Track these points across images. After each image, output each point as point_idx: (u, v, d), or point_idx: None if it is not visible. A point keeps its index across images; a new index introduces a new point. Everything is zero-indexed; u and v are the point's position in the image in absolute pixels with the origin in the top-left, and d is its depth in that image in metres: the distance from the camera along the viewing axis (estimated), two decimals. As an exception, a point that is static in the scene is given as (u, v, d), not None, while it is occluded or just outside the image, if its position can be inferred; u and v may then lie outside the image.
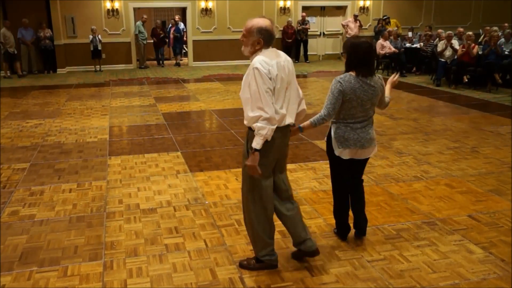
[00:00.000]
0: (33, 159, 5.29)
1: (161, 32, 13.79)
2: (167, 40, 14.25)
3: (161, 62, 14.38)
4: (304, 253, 2.97)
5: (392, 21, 14.29)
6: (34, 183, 4.52)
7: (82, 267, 2.99)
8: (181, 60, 14.74)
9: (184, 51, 16.23)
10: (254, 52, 2.67)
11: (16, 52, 12.05)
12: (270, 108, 2.54)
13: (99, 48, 12.77)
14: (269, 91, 2.55)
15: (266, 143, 2.60)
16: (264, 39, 2.63)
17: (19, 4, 12.48)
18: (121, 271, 2.95)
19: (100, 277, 2.88)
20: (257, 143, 2.56)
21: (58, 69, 13.02)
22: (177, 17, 16.18)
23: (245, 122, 2.69)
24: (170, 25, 14.49)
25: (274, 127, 2.58)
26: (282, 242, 3.29)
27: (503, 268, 2.96)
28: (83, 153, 5.51)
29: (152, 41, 14.06)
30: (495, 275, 2.89)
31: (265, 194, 2.78)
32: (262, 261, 2.92)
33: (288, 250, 3.16)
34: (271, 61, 2.60)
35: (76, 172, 4.83)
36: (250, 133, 2.69)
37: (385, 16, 14.41)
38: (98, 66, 13.15)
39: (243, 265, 2.97)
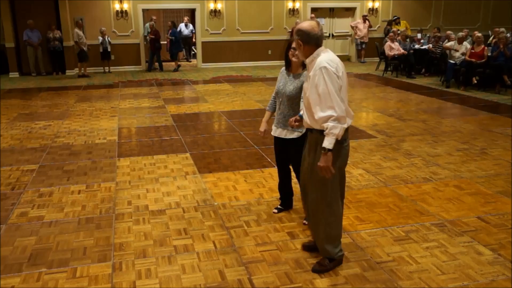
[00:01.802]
0: (42, 160, 5.34)
1: (151, 35, 12.87)
2: (158, 44, 13.06)
3: (152, 67, 13.45)
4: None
5: (402, 22, 14.20)
6: (43, 184, 4.56)
7: (91, 268, 3.01)
8: (189, 61, 14.64)
9: (193, 52, 16.29)
10: (307, 55, 2.71)
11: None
12: (340, 107, 2.57)
13: (109, 49, 12.85)
14: (337, 90, 2.59)
15: (340, 143, 2.66)
16: (302, 40, 2.68)
17: (28, 6, 12.61)
18: (130, 272, 2.96)
19: (109, 278, 2.90)
20: (329, 143, 2.57)
21: (67, 71, 13.13)
22: (185, 19, 16.26)
23: (308, 122, 2.75)
24: (168, 28, 14.01)
25: (345, 126, 2.63)
26: (291, 244, 3.29)
27: (513, 271, 2.94)
28: (92, 155, 5.55)
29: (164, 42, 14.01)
30: (504, 277, 2.88)
31: (337, 194, 2.89)
32: (334, 259, 2.95)
33: (297, 251, 3.16)
34: (335, 59, 2.67)
35: (85, 173, 4.87)
36: (313, 135, 2.74)
37: (395, 16, 14.32)
38: (107, 67, 13.24)
39: (319, 270, 2.92)
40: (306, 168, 2.88)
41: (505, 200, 4.06)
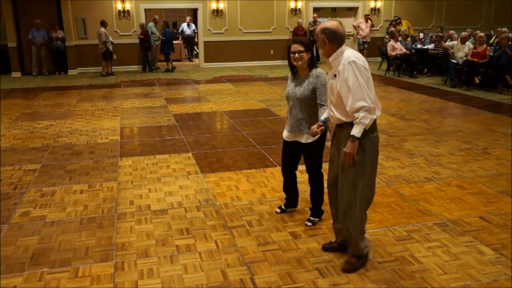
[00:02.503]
0: (44, 160, 5.35)
1: (140, 36, 12.77)
2: (147, 44, 12.92)
3: (147, 68, 13.37)
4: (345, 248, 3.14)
5: (403, 22, 14.19)
6: (45, 184, 4.57)
7: (93, 268, 3.02)
8: (191, 60, 14.61)
9: (195, 52, 16.30)
10: (330, 54, 2.77)
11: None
12: (370, 98, 2.67)
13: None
14: (366, 82, 2.68)
15: (371, 133, 2.75)
16: (328, 38, 2.74)
17: (30, 6, 12.64)
18: (132, 272, 2.97)
19: (111, 278, 2.90)
20: (358, 131, 2.68)
21: (69, 70, 13.16)
22: (188, 18, 16.28)
23: (338, 117, 2.80)
24: (161, 28, 13.70)
25: (375, 117, 2.71)
26: (293, 243, 3.29)
27: (516, 271, 2.94)
28: (94, 154, 5.56)
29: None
30: (506, 276, 2.87)
31: (373, 185, 2.98)
32: (361, 257, 2.98)
33: (299, 251, 3.16)
34: (358, 54, 2.77)
35: (87, 173, 4.88)
36: (345, 130, 2.78)
37: (396, 17, 14.31)
38: (110, 67, 13.26)
39: (350, 269, 2.93)
40: (339, 164, 2.89)
41: (507, 200, 4.05)
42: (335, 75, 2.78)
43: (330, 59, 2.79)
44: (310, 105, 3.29)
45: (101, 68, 13.10)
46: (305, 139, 3.38)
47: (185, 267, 3.01)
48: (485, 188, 4.34)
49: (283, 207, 3.83)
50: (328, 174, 3.10)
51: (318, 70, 3.30)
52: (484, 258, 3.08)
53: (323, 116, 3.13)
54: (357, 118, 2.67)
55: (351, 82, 2.66)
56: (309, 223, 3.57)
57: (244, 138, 6.17)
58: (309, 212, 3.67)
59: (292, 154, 3.56)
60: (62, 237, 3.44)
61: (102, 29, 12.21)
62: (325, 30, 2.76)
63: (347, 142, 2.75)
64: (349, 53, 2.73)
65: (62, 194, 4.29)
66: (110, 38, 12.40)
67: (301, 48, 3.19)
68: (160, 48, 13.36)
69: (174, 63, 14.66)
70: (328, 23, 2.79)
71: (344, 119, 2.80)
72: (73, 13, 13.02)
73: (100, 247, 3.29)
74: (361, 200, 2.86)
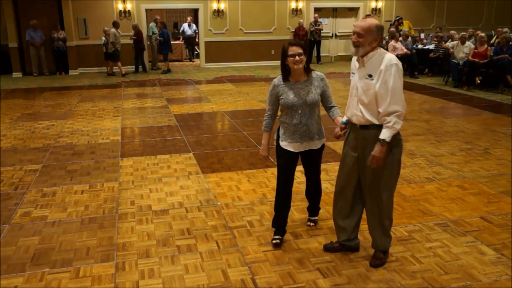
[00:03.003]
0: (45, 160, 5.35)
1: (133, 36, 12.60)
2: (141, 45, 12.77)
3: (139, 68, 13.16)
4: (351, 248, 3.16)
5: (405, 22, 14.15)
6: (46, 184, 4.57)
7: (94, 268, 3.02)
8: (192, 61, 14.58)
9: (196, 52, 16.31)
10: (368, 52, 2.72)
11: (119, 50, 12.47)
12: (404, 104, 2.72)
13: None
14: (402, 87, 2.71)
15: (398, 136, 2.78)
16: (379, 36, 2.74)
17: (31, 6, 12.66)
18: (133, 272, 2.97)
19: (112, 278, 2.91)
20: (389, 136, 2.69)
21: (70, 71, 13.17)
22: (189, 18, 16.29)
23: (367, 118, 2.75)
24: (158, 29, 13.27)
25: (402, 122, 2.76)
26: (294, 244, 3.29)
27: (517, 271, 2.93)
28: (95, 155, 5.57)
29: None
30: (507, 277, 2.87)
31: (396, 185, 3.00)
32: (386, 252, 3.05)
33: (300, 252, 3.16)
34: None
35: (88, 173, 4.88)
36: (370, 132, 2.76)
37: (398, 16, 14.28)
38: (104, 68, 13.19)
39: (378, 264, 3.00)
40: (355, 165, 2.89)
41: (508, 200, 4.05)
42: (369, 75, 2.73)
43: (366, 58, 2.74)
44: (317, 109, 3.18)
45: (104, 68, 13.10)
46: (317, 145, 3.20)
47: (186, 267, 3.01)
48: (486, 188, 4.33)
49: (279, 241, 3.27)
50: (339, 174, 3.05)
51: (318, 73, 3.20)
52: (485, 258, 3.08)
53: (343, 118, 3.04)
54: (389, 122, 2.67)
55: (391, 84, 2.65)
56: (312, 223, 3.56)
57: (245, 139, 6.17)
58: (309, 212, 3.65)
59: (294, 166, 3.26)
60: (63, 237, 3.44)
61: (113, 30, 12.21)
62: (379, 27, 2.72)
63: (372, 145, 2.75)
64: (390, 55, 2.73)
65: (63, 194, 4.30)
66: (120, 40, 12.39)
67: (301, 51, 2.99)
68: (158, 49, 13.35)
69: (174, 63, 14.68)
70: (375, 20, 2.76)
71: (374, 121, 2.76)
72: (74, 13, 13.03)
73: (101, 247, 3.29)
74: (392, 197, 2.94)
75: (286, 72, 3.09)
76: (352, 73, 2.91)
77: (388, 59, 2.69)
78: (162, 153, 5.58)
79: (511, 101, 8.56)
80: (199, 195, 4.24)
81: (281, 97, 3.11)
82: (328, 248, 3.19)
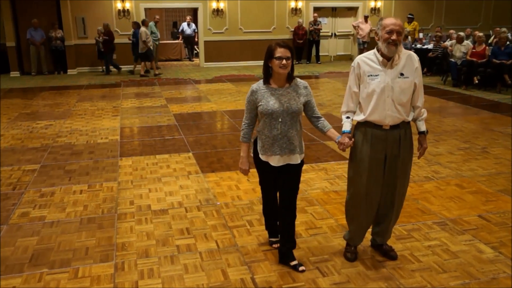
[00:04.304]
0: (43, 160, 5.35)
1: (104, 36, 12.18)
2: (112, 45, 12.38)
3: (108, 69, 12.77)
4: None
5: (414, 22, 14.04)
6: (45, 184, 4.57)
7: (93, 268, 3.02)
8: (192, 60, 14.51)
9: (196, 51, 16.30)
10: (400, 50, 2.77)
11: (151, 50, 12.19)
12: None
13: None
14: None
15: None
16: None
17: (29, 5, 12.63)
18: (133, 272, 2.97)
19: (111, 278, 2.91)
20: (425, 126, 2.97)
21: (68, 70, 13.15)
22: (188, 18, 16.28)
23: (404, 117, 2.81)
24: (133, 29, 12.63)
25: None
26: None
27: (515, 270, 2.95)
28: (94, 154, 5.56)
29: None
30: (504, 275, 2.88)
31: None
32: None
33: (299, 250, 3.16)
34: None
35: (87, 173, 4.88)
36: (402, 130, 2.83)
37: (410, 14, 14.13)
38: (99, 67, 13.07)
39: (396, 253, 3.12)
40: (401, 166, 2.90)
41: (506, 198, 4.07)
42: (401, 74, 2.74)
43: (396, 57, 2.72)
44: (299, 119, 2.86)
45: (99, 67, 13.09)
46: (297, 159, 2.87)
47: (185, 267, 3.02)
48: (484, 187, 4.34)
49: (275, 244, 3.22)
50: (360, 182, 2.88)
51: (301, 80, 2.88)
52: (483, 257, 3.09)
53: (345, 127, 2.87)
54: (423, 114, 2.91)
55: (420, 80, 2.82)
56: (302, 267, 2.97)
57: (244, 138, 6.17)
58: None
59: (275, 178, 2.94)
60: (62, 238, 3.44)
61: (143, 28, 11.88)
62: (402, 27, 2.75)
63: (398, 142, 2.82)
64: (409, 51, 2.83)
65: (61, 194, 4.29)
66: (150, 38, 11.97)
67: (289, 54, 2.69)
68: (132, 49, 12.63)
69: (174, 63, 14.65)
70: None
71: (408, 118, 2.85)
72: (73, 13, 13.01)
73: (100, 247, 3.29)
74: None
75: (268, 75, 2.80)
76: (372, 75, 2.75)
77: (414, 55, 2.81)
78: (161, 152, 5.58)
79: (509, 100, 8.59)
80: (199, 194, 4.25)
81: (260, 103, 2.78)
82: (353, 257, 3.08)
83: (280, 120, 2.77)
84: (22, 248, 3.30)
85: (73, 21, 13.06)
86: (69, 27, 12.93)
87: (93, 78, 12.14)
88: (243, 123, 2.95)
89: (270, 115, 2.76)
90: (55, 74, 12.98)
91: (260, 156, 2.89)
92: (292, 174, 2.89)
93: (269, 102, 2.76)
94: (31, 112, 8.07)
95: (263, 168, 2.93)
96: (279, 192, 2.96)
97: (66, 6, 12.83)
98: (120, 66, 13.00)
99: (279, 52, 2.68)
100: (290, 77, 2.81)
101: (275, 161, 2.84)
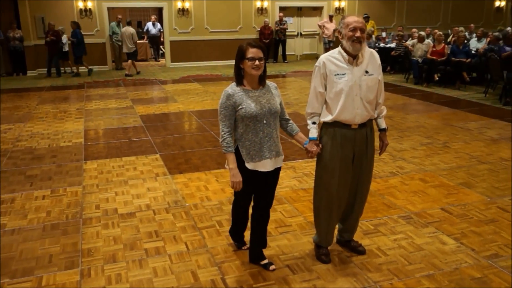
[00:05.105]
0: (2, 165, 5.13)
1: (52, 36, 11.67)
2: (58, 46, 11.91)
3: (52, 71, 12.21)
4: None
5: (370, 21, 14.45)
6: (4, 191, 4.38)
7: (58, 276, 2.92)
8: (157, 60, 14.29)
9: (161, 51, 16.05)
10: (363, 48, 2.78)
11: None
12: None
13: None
14: None
15: None
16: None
17: (-15, 4, 12.10)
18: (99, 278, 2.89)
19: (77, 285, 2.82)
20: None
21: (28, 71, 12.65)
22: (153, 17, 16.01)
23: (371, 114, 2.85)
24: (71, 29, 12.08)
25: None
26: (263, 242, 3.30)
27: (473, 257, 3.08)
28: (56, 158, 5.38)
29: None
30: (466, 264, 3.00)
31: None
32: None
33: (270, 249, 3.17)
34: None
35: (50, 178, 4.72)
36: (368, 128, 2.87)
37: (365, 14, 14.51)
38: (69, 68, 12.80)
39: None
40: (366, 163, 2.93)
41: (466, 191, 4.23)
42: (366, 71, 2.76)
43: (359, 55, 2.73)
44: (278, 119, 2.80)
45: (67, 68, 12.66)
46: (281, 161, 2.82)
47: (154, 270, 2.97)
48: (445, 180, 4.51)
49: (244, 246, 3.21)
50: (330, 182, 2.87)
51: (270, 82, 2.80)
52: (446, 248, 3.20)
53: (312, 134, 2.83)
54: (384, 111, 2.95)
55: (382, 77, 2.86)
56: (273, 266, 2.97)
57: (213, 138, 6.14)
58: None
59: (261, 184, 2.81)
60: (24, 246, 3.31)
61: (131, 29, 12.10)
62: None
63: (365, 139, 2.85)
64: (367, 48, 2.84)
65: (22, 201, 4.13)
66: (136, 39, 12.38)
67: (262, 55, 2.59)
68: (72, 51, 12.12)
69: (140, 63, 14.38)
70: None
71: (375, 115, 2.91)
72: (32, 12, 12.53)
73: (65, 254, 3.19)
74: None
75: (240, 77, 2.67)
76: (339, 74, 2.72)
77: (375, 52, 2.86)
78: (128, 155, 5.46)
79: (467, 96, 8.95)
80: (167, 196, 4.19)
81: (240, 107, 2.62)
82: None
83: (264, 122, 2.66)
84: (-19, 258, 3.15)
85: (32, 21, 12.58)
86: (28, 27, 12.45)
87: (54, 80, 11.74)
88: (222, 132, 2.67)
89: (254, 117, 2.63)
90: (13, 75, 12.46)
91: (247, 165, 2.69)
92: (276, 178, 2.85)
93: (251, 104, 2.62)
94: (-12, 116, 7.72)
95: (251, 179, 2.71)
96: (260, 198, 2.84)
97: (25, 5, 12.34)
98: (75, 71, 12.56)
99: (251, 52, 2.57)
100: (262, 79, 2.69)
101: (267, 166, 2.71)
